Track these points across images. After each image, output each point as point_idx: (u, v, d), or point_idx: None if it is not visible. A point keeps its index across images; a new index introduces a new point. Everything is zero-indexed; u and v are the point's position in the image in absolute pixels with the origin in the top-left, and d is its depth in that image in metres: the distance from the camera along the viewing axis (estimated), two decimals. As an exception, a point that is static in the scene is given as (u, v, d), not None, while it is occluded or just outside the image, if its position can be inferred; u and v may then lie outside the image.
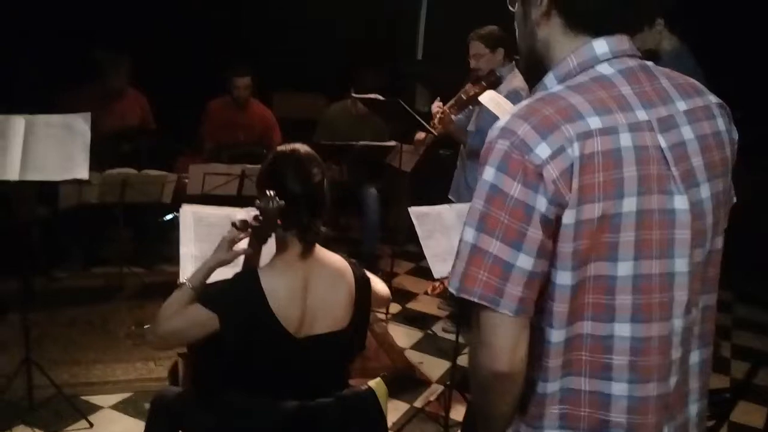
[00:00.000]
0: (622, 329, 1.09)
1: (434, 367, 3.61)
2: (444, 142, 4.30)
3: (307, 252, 1.84)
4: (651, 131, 1.10)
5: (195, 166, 3.98)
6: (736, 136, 1.22)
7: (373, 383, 1.84)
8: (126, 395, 3.12)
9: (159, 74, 4.86)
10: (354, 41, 5.73)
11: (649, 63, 1.17)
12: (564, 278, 1.07)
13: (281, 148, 1.92)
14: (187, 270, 2.55)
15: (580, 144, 1.04)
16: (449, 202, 3.79)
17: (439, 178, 4.39)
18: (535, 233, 1.04)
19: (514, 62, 3.63)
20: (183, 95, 4.91)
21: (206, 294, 1.83)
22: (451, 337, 3.92)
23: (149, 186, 3.95)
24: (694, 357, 1.20)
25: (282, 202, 1.76)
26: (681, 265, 1.11)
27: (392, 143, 4.13)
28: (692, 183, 1.12)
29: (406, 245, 4.89)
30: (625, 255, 1.07)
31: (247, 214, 2.69)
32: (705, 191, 1.13)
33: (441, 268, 2.74)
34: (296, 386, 1.84)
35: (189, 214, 2.66)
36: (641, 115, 1.10)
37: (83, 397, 3.06)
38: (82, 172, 2.73)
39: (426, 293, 2.66)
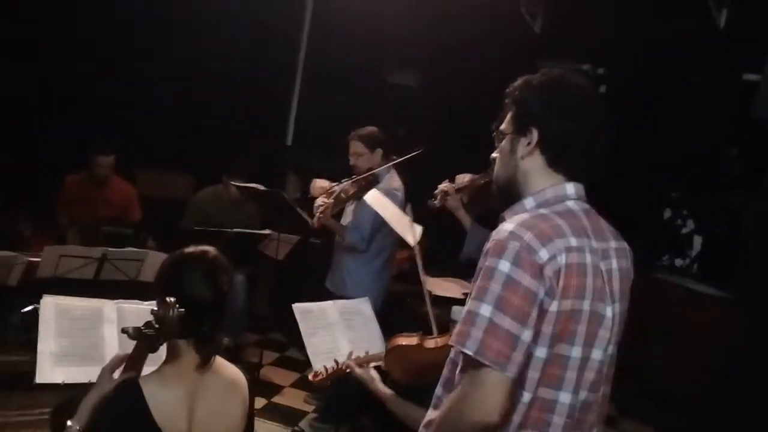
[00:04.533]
0: (564, 397, 1.44)
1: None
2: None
3: (203, 364, 1.72)
4: (598, 256, 1.49)
5: (50, 248, 3.67)
6: (632, 275, 1.62)
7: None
8: None
9: (5, 144, 4.52)
10: (223, 122, 5.69)
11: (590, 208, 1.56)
12: (541, 352, 1.41)
13: (189, 249, 1.79)
14: (43, 368, 2.33)
15: (565, 255, 1.41)
16: (320, 289, 3.78)
17: (307, 265, 4.41)
18: (534, 314, 1.38)
19: (391, 163, 3.76)
20: (31, 166, 4.60)
21: (90, 423, 1.65)
22: (325, 432, 3.84)
23: (-7, 267, 3.57)
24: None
25: (182, 311, 1.64)
26: (599, 354, 1.49)
27: (267, 232, 4.07)
28: (614, 300, 1.52)
29: (270, 333, 4.77)
30: (578, 341, 1.44)
31: (116, 309, 2.53)
32: (618, 308, 1.54)
33: (320, 367, 2.68)
34: None
35: (51, 305, 2.45)
36: (594, 243, 1.49)
37: None
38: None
39: (309, 379, 2.57)
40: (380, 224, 3.64)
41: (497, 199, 1.60)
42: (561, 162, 1.51)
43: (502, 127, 1.59)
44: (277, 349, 4.83)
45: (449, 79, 5.62)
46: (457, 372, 1.48)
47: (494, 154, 1.63)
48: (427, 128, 5.75)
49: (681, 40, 4.62)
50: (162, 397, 1.64)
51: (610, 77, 5.30)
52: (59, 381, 2.30)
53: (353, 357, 2.58)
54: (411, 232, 3.33)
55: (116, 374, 1.75)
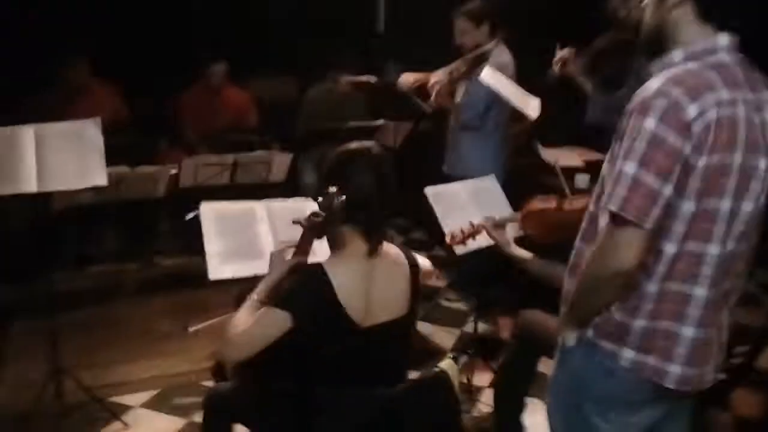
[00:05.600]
0: (713, 248, 1.49)
1: (444, 337, 3.74)
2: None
3: (372, 253, 1.88)
4: (753, 108, 1.48)
5: (188, 160, 3.97)
6: None
7: (444, 364, 1.93)
8: (153, 392, 3.16)
9: (125, 65, 4.78)
10: (314, 19, 5.68)
11: (744, 57, 1.52)
12: (688, 206, 1.45)
13: (352, 146, 1.91)
14: (213, 266, 2.62)
15: (716, 109, 1.41)
16: (437, 173, 3.88)
17: (421, 150, 4.50)
18: (678, 170, 1.41)
19: (498, 38, 3.70)
20: (151, 85, 4.85)
21: (276, 297, 1.87)
22: (456, 305, 4.09)
23: (144, 182, 3.91)
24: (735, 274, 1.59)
25: (344, 198, 1.78)
26: (749, 206, 1.51)
27: (381, 122, 4.18)
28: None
29: (393, 219, 4.99)
30: (728, 194, 1.46)
31: (266, 208, 2.76)
32: None
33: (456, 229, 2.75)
34: (365, 375, 1.92)
35: (210, 210, 2.70)
36: (748, 95, 1.48)
37: (111, 399, 3.08)
38: (101, 179, 2.71)
39: (446, 242, 2.71)
40: (493, 101, 3.64)
41: (642, 50, 1.58)
42: (712, 12, 1.49)
43: None
44: (402, 232, 5.06)
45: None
46: (599, 226, 1.55)
47: (645, 2, 1.58)
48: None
49: None
50: (343, 279, 1.83)
51: None
52: (228, 276, 2.57)
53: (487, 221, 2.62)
54: (530, 105, 3.35)
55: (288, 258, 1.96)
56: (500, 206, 3.00)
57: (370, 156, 1.88)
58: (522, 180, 3.87)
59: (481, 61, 3.64)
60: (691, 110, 1.39)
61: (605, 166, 1.56)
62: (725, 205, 1.47)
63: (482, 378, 3.24)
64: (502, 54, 3.69)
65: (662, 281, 1.50)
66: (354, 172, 1.85)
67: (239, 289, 2.34)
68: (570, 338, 1.63)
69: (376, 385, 1.91)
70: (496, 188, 3.08)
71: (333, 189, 1.81)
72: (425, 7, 5.57)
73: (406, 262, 2.01)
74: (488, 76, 3.26)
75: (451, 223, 2.87)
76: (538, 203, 2.54)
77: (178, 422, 2.95)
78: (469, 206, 2.96)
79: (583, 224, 1.65)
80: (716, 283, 1.51)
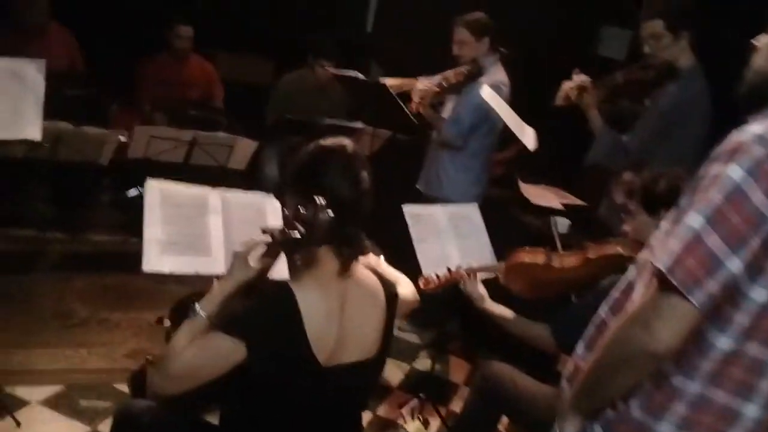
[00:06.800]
0: None
1: (392, 371, 3.40)
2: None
3: (345, 270, 1.58)
4: None
5: (141, 128, 3.57)
6: None
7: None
8: (57, 388, 2.72)
9: (86, 11, 4.34)
10: (302, 5, 5.38)
11: None
12: (760, 294, 1.14)
13: (325, 142, 1.61)
14: (150, 256, 2.25)
15: None
16: (409, 190, 3.62)
17: (394, 163, 4.21)
18: (756, 243, 1.10)
19: (498, 54, 3.46)
20: (114, 40, 4.44)
21: (228, 319, 1.52)
22: (410, 337, 3.79)
23: (87, 144, 3.48)
24: None
25: (332, 215, 1.48)
26: None
27: (359, 125, 3.86)
28: None
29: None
30: None
31: (221, 198, 2.40)
32: None
33: (431, 273, 2.55)
34: (315, 425, 1.61)
35: (156, 190, 2.32)
36: None
37: (6, 389, 2.64)
38: (34, 132, 2.32)
39: (420, 285, 2.45)
40: (481, 121, 3.41)
41: (744, 98, 1.28)
42: None
43: None
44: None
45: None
46: (634, 292, 1.27)
47: (760, 41, 1.30)
48: (519, 20, 5.31)
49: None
50: (313, 307, 1.50)
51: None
52: (166, 270, 2.20)
53: (464, 267, 2.45)
54: (527, 135, 3.10)
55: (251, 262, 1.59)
56: (479, 242, 2.76)
57: (348, 156, 1.58)
58: (495, 213, 3.64)
59: (475, 76, 3.40)
60: None
61: (665, 226, 1.24)
62: None
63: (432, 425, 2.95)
64: (499, 73, 3.45)
65: (706, 384, 1.19)
66: (326, 173, 1.55)
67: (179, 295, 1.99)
68: (571, 429, 1.31)
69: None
70: (477, 219, 2.82)
71: (321, 201, 1.48)
72: (416, 13, 5.33)
73: (383, 291, 1.70)
74: (487, 93, 3.00)
75: (425, 249, 2.61)
76: (525, 256, 2.33)
77: (79, 429, 2.53)
78: (446, 234, 2.71)
79: (592, 329, 1.37)
80: None
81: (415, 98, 3.39)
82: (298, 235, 1.48)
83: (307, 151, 1.63)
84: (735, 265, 1.09)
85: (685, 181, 1.99)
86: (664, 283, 1.12)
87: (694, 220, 1.11)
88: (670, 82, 2.72)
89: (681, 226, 1.13)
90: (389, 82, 3.47)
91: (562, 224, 3.49)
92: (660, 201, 2.01)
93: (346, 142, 1.63)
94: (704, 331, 1.17)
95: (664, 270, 1.11)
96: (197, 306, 1.55)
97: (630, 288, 1.31)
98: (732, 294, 1.13)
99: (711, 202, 1.10)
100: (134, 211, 2.29)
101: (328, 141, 1.63)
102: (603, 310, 1.37)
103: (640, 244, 2.08)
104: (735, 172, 1.10)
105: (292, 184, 1.62)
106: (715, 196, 1.10)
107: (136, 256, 2.10)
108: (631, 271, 1.34)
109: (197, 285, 2.29)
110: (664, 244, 1.15)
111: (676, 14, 2.70)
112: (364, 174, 1.59)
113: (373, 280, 1.69)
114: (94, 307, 3.35)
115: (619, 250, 2.17)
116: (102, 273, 3.69)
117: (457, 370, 3.51)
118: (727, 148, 1.14)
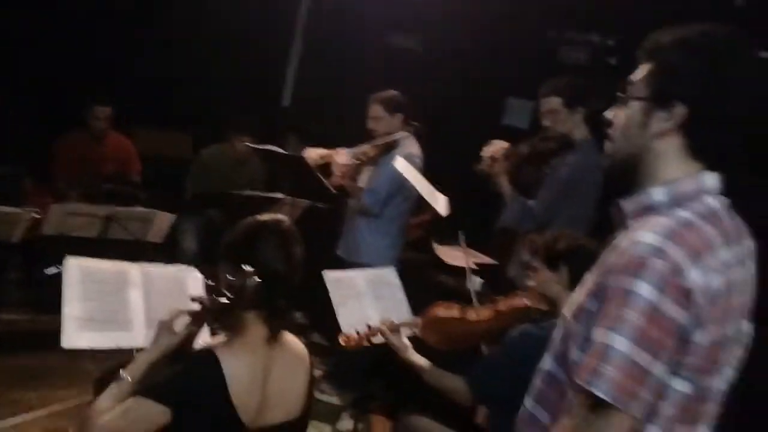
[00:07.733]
0: (702, 430, 1.23)
1: (315, 433, 3.42)
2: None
3: (273, 338, 1.65)
4: (742, 265, 1.24)
5: (57, 206, 3.54)
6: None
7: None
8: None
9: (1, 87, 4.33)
10: (219, 83, 5.52)
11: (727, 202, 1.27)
12: (683, 386, 1.18)
13: (262, 218, 1.71)
14: (69, 333, 2.23)
15: (718, 275, 1.16)
16: (329, 256, 3.70)
17: (313, 231, 4.31)
18: (674, 346, 1.14)
19: (411, 127, 3.67)
20: (31, 119, 4.41)
21: (153, 384, 1.56)
22: (331, 399, 3.80)
23: (-1, 224, 3.41)
24: None
25: (259, 281, 1.56)
26: (729, 374, 1.27)
27: (279, 195, 3.96)
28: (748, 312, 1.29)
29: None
30: (723, 370, 1.22)
31: (141, 272, 2.41)
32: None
33: (351, 331, 2.62)
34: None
35: (75, 267, 2.32)
36: (738, 250, 1.23)
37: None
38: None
39: (341, 342, 2.53)
40: (396, 190, 3.58)
41: (613, 177, 1.32)
42: (708, 149, 1.21)
43: (634, 85, 1.26)
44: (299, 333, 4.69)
45: (452, 42, 5.48)
46: (566, 396, 1.26)
47: (610, 114, 1.30)
48: (430, 93, 5.64)
49: (696, 16, 4.56)
50: (237, 371, 1.56)
51: (619, 49, 5.22)
52: (85, 346, 2.21)
53: (385, 323, 2.54)
54: (439, 202, 3.28)
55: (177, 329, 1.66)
56: (397, 301, 2.86)
57: (282, 232, 1.68)
58: (412, 275, 3.78)
59: (390, 148, 3.59)
60: (694, 276, 1.12)
61: (570, 308, 1.28)
62: (718, 383, 1.23)
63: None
64: (412, 146, 3.65)
65: None
66: (261, 248, 1.64)
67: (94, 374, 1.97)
68: None
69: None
70: (395, 281, 2.93)
71: (249, 268, 1.57)
72: (332, 87, 5.57)
73: (306, 354, 1.77)
74: (401, 165, 3.18)
75: (345, 313, 2.69)
76: (440, 310, 2.45)
77: None
78: (365, 297, 2.80)
79: (538, 382, 1.36)
80: None
81: (337, 172, 3.54)
82: (226, 301, 1.56)
83: (243, 224, 1.72)
84: (661, 370, 1.13)
85: (581, 241, 2.21)
86: (600, 402, 1.13)
87: (619, 342, 1.11)
88: (567, 152, 2.99)
89: (608, 350, 1.12)
90: (311, 152, 3.62)
91: (476, 282, 3.66)
92: (559, 258, 2.20)
93: (282, 218, 1.73)
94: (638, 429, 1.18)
95: (607, 398, 1.11)
96: (123, 372, 1.59)
97: (554, 381, 1.32)
98: (659, 391, 1.16)
99: (633, 325, 1.11)
100: (49, 288, 2.25)
101: (265, 216, 1.72)
102: (547, 363, 1.36)
103: (544, 296, 2.26)
104: (644, 290, 1.11)
105: (226, 255, 1.69)
106: (633, 317, 1.11)
107: (48, 334, 2.07)
108: (549, 363, 1.35)
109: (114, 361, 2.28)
110: (595, 363, 1.13)
111: (571, 92, 3.01)
112: (297, 249, 1.68)
113: (299, 345, 1.77)
114: (5, 386, 3.21)
115: (526, 302, 2.33)
116: (11, 353, 3.54)
117: (380, 429, 3.54)
118: (626, 262, 1.15)
